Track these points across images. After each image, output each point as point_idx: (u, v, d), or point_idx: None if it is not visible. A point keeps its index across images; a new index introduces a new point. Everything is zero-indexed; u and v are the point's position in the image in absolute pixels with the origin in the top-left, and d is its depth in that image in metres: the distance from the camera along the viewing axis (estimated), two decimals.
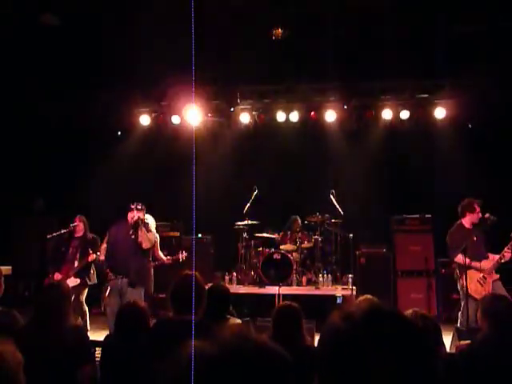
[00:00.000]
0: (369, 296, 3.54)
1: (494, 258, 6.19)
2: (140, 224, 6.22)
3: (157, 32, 7.06)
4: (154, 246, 6.54)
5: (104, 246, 6.55)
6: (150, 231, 6.40)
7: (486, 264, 6.14)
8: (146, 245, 6.29)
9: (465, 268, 6.06)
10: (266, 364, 0.92)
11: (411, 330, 1.01)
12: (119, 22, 7.13)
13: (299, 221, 8.74)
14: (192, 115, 8.91)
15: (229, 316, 3.74)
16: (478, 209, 6.34)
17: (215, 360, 0.89)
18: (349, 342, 0.98)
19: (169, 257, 7.14)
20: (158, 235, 6.76)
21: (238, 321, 3.88)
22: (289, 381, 0.94)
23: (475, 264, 6.15)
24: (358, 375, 0.95)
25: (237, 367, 0.89)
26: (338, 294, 7.86)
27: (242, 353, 0.91)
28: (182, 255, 7.16)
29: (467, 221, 6.39)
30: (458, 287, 6.33)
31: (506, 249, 6.05)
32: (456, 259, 6.21)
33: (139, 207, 6.36)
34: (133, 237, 6.22)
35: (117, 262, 6.22)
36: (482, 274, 6.19)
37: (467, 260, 6.05)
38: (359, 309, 1.04)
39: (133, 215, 6.28)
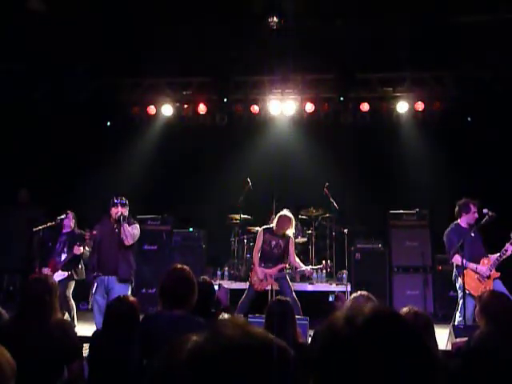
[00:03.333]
0: (364, 292, 3.42)
1: (490, 259, 6.05)
2: (122, 220, 6.07)
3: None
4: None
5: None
6: (134, 223, 6.25)
7: (483, 268, 6.02)
8: (128, 241, 6.15)
9: (462, 266, 5.94)
10: (269, 357, 0.90)
11: (414, 339, 0.98)
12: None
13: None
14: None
15: (217, 311, 3.65)
16: (473, 209, 6.24)
17: (216, 354, 0.86)
18: (349, 347, 0.96)
19: (310, 267, 7.05)
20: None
21: (227, 316, 3.78)
22: (291, 373, 0.92)
23: (472, 265, 6.04)
24: (356, 379, 0.93)
25: (239, 360, 0.86)
26: (330, 293, 7.70)
27: (243, 345, 0.89)
28: (327, 266, 7.24)
29: (463, 221, 6.30)
30: (457, 286, 6.19)
31: (508, 244, 5.92)
32: (453, 260, 6.11)
33: (123, 202, 6.21)
34: (116, 231, 6.10)
35: (104, 260, 6.07)
36: None
37: (464, 261, 5.94)
38: (361, 313, 1.00)
39: (117, 210, 6.15)
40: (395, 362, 0.92)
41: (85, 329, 6.28)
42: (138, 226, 6.36)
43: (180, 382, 0.84)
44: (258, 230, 8.34)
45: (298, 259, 6.85)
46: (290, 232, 6.70)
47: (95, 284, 6.09)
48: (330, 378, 0.95)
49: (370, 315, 0.99)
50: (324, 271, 7.86)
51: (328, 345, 1.00)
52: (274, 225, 6.67)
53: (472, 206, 6.23)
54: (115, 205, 6.18)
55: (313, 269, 7.17)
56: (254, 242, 8.27)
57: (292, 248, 6.68)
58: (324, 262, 7.53)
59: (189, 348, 0.87)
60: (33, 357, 2.84)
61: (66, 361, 3.08)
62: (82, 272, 6.73)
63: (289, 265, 6.79)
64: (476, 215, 6.20)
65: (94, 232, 6.26)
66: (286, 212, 6.69)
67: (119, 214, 6.07)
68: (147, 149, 9.22)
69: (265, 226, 6.80)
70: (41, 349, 2.96)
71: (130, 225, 6.20)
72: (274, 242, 6.61)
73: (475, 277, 6.04)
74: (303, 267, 6.78)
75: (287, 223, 6.61)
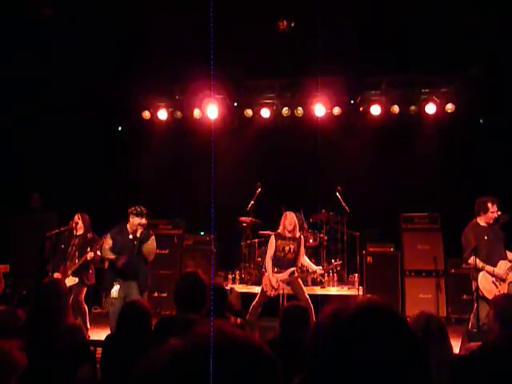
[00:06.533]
0: (368, 295, 3.41)
1: (508, 262, 5.96)
2: (145, 239, 6.14)
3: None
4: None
5: (104, 244, 6.29)
6: (151, 236, 6.28)
7: (500, 272, 5.90)
8: (150, 259, 6.24)
9: (476, 269, 5.86)
10: (243, 359, 0.88)
11: (399, 330, 0.97)
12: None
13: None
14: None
15: (229, 315, 3.65)
16: (491, 208, 6.08)
17: (193, 353, 0.86)
18: (332, 340, 0.96)
19: (320, 267, 6.96)
20: None
21: (239, 320, 3.78)
22: (270, 377, 0.89)
23: (489, 268, 5.92)
24: (339, 376, 0.92)
25: (216, 360, 0.84)
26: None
27: (221, 345, 0.87)
28: (336, 263, 7.20)
29: (482, 220, 6.15)
30: (473, 288, 6.09)
31: None
32: (470, 261, 5.96)
33: (144, 213, 6.19)
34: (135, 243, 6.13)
35: (126, 267, 6.06)
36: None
37: (481, 263, 5.85)
38: (347, 307, 0.99)
39: (139, 222, 6.14)
40: (377, 355, 0.91)
41: (98, 333, 6.30)
42: (153, 236, 6.37)
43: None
44: (268, 234, 8.41)
45: (307, 259, 6.82)
46: (297, 232, 6.67)
47: (117, 286, 6.09)
48: (316, 370, 0.95)
49: (355, 309, 0.98)
50: (335, 270, 7.81)
51: (315, 340, 1.00)
52: (282, 227, 6.64)
53: (490, 205, 6.07)
54: (138, 215, 6.15)
55: (324, 270, 7.13)
56: (265, 245, 8.30)
57: (302, 248, 6.65)
58: (333, 261, 7.50)
59: (168, 350, 0.88)
60: (44, 359, 2.85)
61: (76, 364, 3.10)
62: (93, 277, 6.72)
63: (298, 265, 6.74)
64: (495, 215, 6.05)
65: (106, 237, 6.22)
66: (289, 211, 6.69)
67: (139, 233, 6.14)
68: (158, 153, 9.25)
69: (275, 232, 6.76)
70: (52, 351, 2.97)
71: (148, 238, 6.22)
72: (287, 248, 6.56)
73: (491, 280, 5.92)
74: (314, 267, 6.75)
75: (294, 221, 6.59)
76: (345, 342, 0.94)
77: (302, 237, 6.69)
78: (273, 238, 6.68)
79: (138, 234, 6.15)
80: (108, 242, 6.14)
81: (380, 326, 0.96)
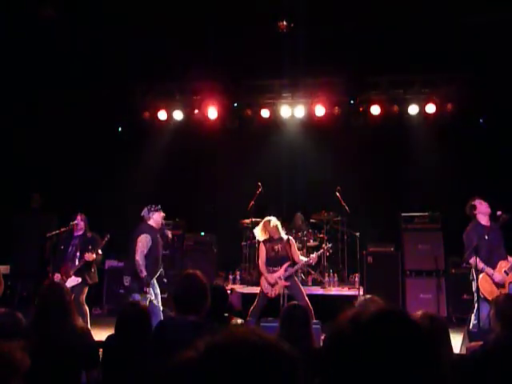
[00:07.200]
0: (368, 296, 3.41)
1: (508, 262, 5.95)
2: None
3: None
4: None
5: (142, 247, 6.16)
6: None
7: (499, 276, 5.90)
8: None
9: (476, 269, 5.85)
10: (271, 359, 0.89)
11: (419, 339, 0.99)
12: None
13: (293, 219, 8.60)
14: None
15: (230, 316, 3.64)
16: (477, 202, 6.11)
17: (228, 351, 0.87)
18: (352, 346, 0.97)
19: (313, 255, 6.75)
20: None
21: (240, 321, 3.78)
22: (296, 378, 0.91)
23: (489, 271, 5.91)
24: (361, 380, 0.94)
25: (250, 359, 0.86)
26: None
27: (255, 344, 0.89)
28: (326, 247, 7.12)
29: (482, 218, 6.14)
30: (473, 289, 6.07)
31: None
32: (471, 261, 5.94)
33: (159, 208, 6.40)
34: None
35: (155, 266, 6.20)
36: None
37: (481, 264, 5.84)
38: (366, 312, 1.01)
39: (163, 215, 6.37)
40: (397, 360, 0.93)
41: (98, 334, 6.28)
42: None
43: (193, 379, 0.84)
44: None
45: (301, 256, 6.79)
46: (283, 234, 6.62)
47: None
48: (336, 376, 0.97)
49: (374, 314, 1.00)
50: (327, 253, 7.79)
51: (333, 344, 1.01)
52: (269, 234, 6.58)
53: (477, 202, 6.11)
54: (158, 210, 6.34)
55: (316, 255, 7.05)
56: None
57: (294, 248, 6.60)
58: (323, 245, 7.48)
59: (202, 346, 0.88)
60: (51, 361, 2.86)
61: (83, 367, 3.11)
62: (95, 276, 6.73)
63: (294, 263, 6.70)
64: (485, 204, 6.07)
65: (147, 237, 6.10)
66: (266, 218, 6.65)
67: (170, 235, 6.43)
68: (158, 153, 9.26)
69: (262, 238, 6.70)
70: (56, 352, 2.97)
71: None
72: (277, 247, 6.54)
73: (491, 281, 5.92)
74: (306, 258, 6.71)
75: (267, 227, 6.54)
76: (363, 344, 0.95)
77: (290, 238, 6.64)
78: (261, 243, 6.66)
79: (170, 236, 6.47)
80: (147, 246, 6.10)
81: (397, 330, 0.98)
